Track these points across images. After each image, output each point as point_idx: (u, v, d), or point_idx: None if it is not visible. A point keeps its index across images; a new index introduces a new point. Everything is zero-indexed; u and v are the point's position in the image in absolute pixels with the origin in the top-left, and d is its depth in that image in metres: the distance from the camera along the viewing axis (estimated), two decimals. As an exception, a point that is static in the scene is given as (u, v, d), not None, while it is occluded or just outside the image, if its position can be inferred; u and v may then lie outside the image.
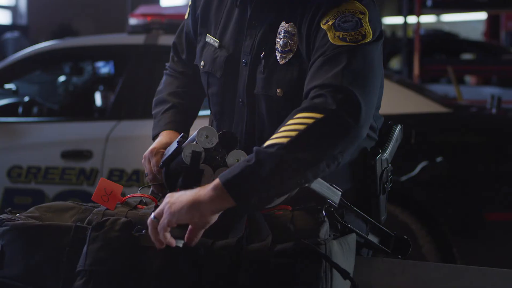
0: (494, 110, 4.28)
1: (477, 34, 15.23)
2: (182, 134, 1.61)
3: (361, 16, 1.56)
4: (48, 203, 1.75)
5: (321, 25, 1.57)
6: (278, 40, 1.65)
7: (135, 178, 3.82)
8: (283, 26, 1.65)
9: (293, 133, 1.40)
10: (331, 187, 1.49)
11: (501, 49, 10.33)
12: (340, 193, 1.50)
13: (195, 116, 1.98)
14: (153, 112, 1.97)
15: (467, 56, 10.69)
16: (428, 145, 3.76)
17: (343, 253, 1.48)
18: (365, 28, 1.55)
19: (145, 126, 3.98)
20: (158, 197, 1.71)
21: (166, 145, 1.76)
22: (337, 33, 1.54)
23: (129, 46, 4.19)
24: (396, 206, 3.69)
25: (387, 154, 1.80)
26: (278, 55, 1.65)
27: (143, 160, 1.79)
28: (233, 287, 1.39)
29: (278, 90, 1.64)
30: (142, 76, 4.07)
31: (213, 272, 1.40)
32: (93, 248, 1.46)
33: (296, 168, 1.40)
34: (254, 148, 1.41)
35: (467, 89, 8.16)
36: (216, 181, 1.41)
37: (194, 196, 1.41)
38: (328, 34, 1.55)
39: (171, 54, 2.05)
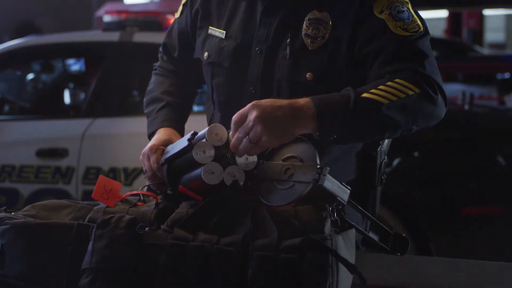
0: (466, 107, 4.35)
1: (438, 32, 15.40)
2: (192, 132, 1.60)
3: (408, 6, 1.69)
4: (42, 201, 1.73)
5: (376, 14, 1.66)
6: (306, 27, 1.70)
7: (112, 176, 3.79)
8: (314, 14, 1.70)
9: (394, 98, 1.54)
10: (341, 185, 1.51)
11: (465, 47, 10.47)
12: (349, 191, 1.51)
13: (188, 113, 2.00)
14: (146, 111, 1.97)
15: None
16: (403, 140, 3.80)
17: (346, 248, 1.49)
18: (416, 18, 1.68)
19: (121, 124, 3.97)
20: (157, 194, 1.71)
21: (165, 142, 1.76)
22: (398, 23, 1.65)
23: (104, 43, 4.17)
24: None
25: (385, 146, 1.84)
26: (307, 41, 1.69)
27: (141, 157, 1.79)
28: (242, 283, 1.39)
29: (308, 74, 1.69)
30: (118, 74, 4.05)
31: (221, 268, 1.40)
32: (99, 245, 1.44)
33: (383, 127, 1.57)
34: (351, 92, 1.54)
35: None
36: (309, 103, 1.51)
37: (289, 105, 1.50)
38: (389, 24, 1.64)
39: (160, 54, 2.06)
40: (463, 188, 3.85)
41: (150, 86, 2.02)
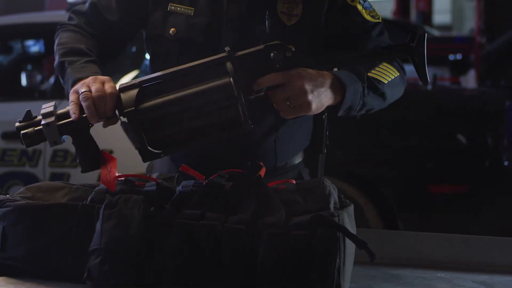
0: (429, 87, 4.43)
1: (386, 13, 15.54)
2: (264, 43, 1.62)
3: None
4: (37, 183, 1.71)
5: (349, 2, 1.84)
6: (282, 4, 1.81)
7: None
8: None
9: (388, 78, 1.81)
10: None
11: (416, 28, 10.60)
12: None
13: None
14: (65, 59, 1.77)
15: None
16: (371, 120, 3.86)
17: (350, 224, 1.53)
18: (373, 6, 1.89)
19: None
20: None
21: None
22: (367, 11, 1.86)
23: (69, 24, 4.10)
24: (343, 181, 3.79)
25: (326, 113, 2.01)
26: (284, 18, 1.81)
27: (88, 81, 1.61)
28: (253, 260, 1.40)
29: (289, 46, 1.76)
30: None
31: (232, 246, 1.41)
32: (108, 226, 1.43)
33: (380, 101, 1.82)
34: (363, 70, 1.77)
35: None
36: (336, 80, 1.68)
37: (326, 80, 1.67)
38: (362, 12, 1.85)
39: (75, 14, 1.91)
40: (429, 166, 3.93)
41: (63, 40, 1.84)
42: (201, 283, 1.42)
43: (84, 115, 1.59)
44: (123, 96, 1.57)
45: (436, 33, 11.86)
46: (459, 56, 8.38)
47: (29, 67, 5.01)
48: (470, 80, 6.83)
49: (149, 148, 1.57)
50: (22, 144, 1.63)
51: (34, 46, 5.26)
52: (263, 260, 1.39)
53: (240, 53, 1.60)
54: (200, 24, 1.82)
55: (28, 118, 1.63)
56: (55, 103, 1.62)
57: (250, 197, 1.50)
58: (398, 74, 1.85)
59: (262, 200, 1.49)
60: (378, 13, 1.89)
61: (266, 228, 1.42)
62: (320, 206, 1.48)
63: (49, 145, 1.62)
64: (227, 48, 1.59)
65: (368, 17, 1.85)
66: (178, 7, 1.84)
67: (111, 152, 3.62)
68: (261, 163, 1.59)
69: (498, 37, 7.54)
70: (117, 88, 1.61)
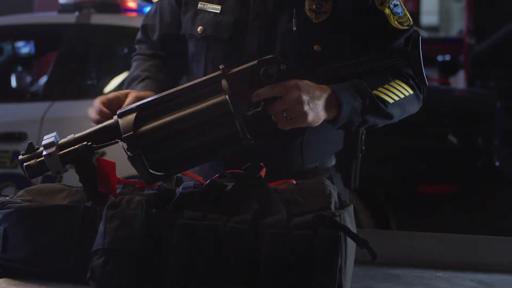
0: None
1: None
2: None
3: (400, 0, 1.86)
4: (36, 185, 1.71)
5: (377, 5, 1.80)
6: (309, 2, 1.80)
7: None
8: None
9: (396, 97, 1.77)
10: None
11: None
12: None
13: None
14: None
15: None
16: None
17: (351, 223, 1.53)
18: (406, 12, 1.85)
19: (80, 107, 3.92)
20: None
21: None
22: (395, 17, 1.81)
23: (61, 25, 4.10)
24: (335, 181, 3.80)
25: None
26: (312, 15, 1.79)
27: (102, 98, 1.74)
28: (255, 260, 1.41)
29: (315, 46, 1.78)
30: (76, 56, 4.00)
31: (234, 246, 1.41)
32: (111, 226, 1.43)
33: (383, 119, 1.78)
34: (367, 87, 1.71)
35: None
36: (333, 95, 1.65)
37: (323, 93, 1.64)
38: (389, 18, 1.80)
39: (138, 44, 2.05)
40: (421, 167, 3.95)
41: (129, 74, 2.01)
42: (203, 284, 1.43)
43: (86, 143, 1.59)
44: (121, 121, 1.57)
45: (424, 34, 11.91)
46: (448, 57, 8.43)
47: (19, 68, 5.00)
48: (459, 81, 6.86)
49: (151, 171, 1.56)
50: (25, 176, 1.64)
51: (24, 48, 5.24)
52: (265, 260, 1.40)
53: (234, 70, 1.59)
54: (226, 22, 1.84)
55: (31, 150, 1.63)
56: (56, 134, 1.63)
57: (251, 197, 1.51)
58: (412, 92, 1.81)
59: (263, 200, 1.50)
60: (409, 18, 1.84)
61: (267, 228, 1.42)
62: (321, 206, 1.48)
63: (52, 175, 1.61)
64: (221, 66, 1.58)
65: (394, 23, 1.80)
66: (207, 4, 1.87)
67: (103, 154, 3.61)
68: (262, 164, 1.60)
69: (487, 38, 7.59)
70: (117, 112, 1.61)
